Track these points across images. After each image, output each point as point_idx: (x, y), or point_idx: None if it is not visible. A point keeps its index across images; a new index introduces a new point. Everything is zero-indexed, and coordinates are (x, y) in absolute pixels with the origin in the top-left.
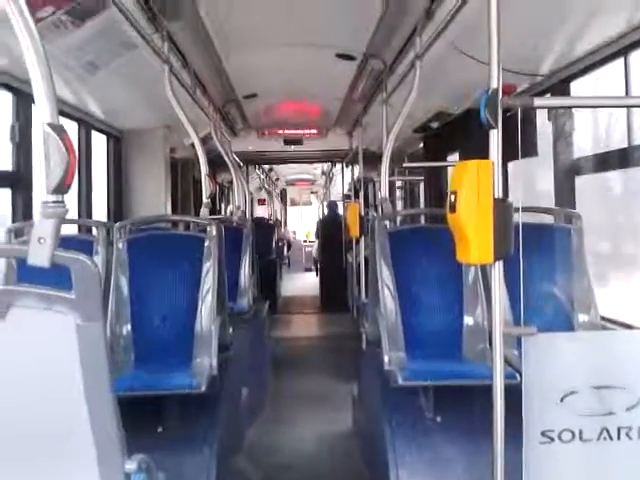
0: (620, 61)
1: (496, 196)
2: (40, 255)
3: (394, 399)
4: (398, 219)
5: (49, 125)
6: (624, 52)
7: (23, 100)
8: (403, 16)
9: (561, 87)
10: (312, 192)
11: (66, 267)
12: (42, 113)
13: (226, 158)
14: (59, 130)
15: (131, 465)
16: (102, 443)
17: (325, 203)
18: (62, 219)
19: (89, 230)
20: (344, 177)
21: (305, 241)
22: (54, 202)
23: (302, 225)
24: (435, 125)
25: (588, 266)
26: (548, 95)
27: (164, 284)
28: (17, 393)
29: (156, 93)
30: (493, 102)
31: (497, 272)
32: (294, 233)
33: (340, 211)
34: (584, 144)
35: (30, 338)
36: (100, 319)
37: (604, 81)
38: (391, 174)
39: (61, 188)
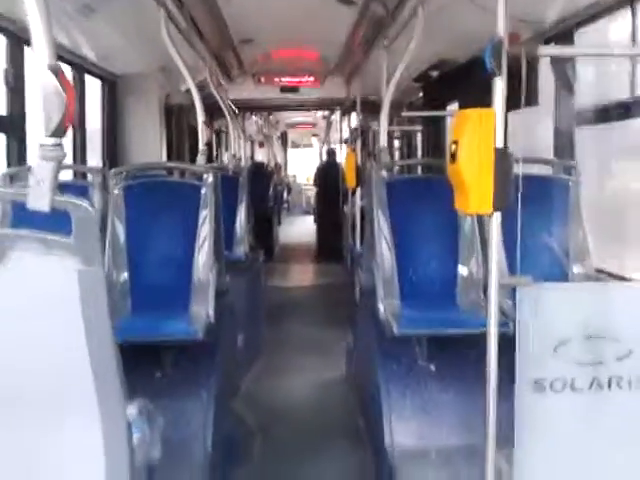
0: (627, 10)
1: (497, 146)
2: (40, 199)
3: (388, 347)
4: (395, 169)
5: (47, 66)
6: (631, 0)
7: (16, 43)
8: None
9: (565, 36)
10: (313, 134)
11: (61, 215)
12: (40, 55)
13: (222, 105)
14: (57, 71)
15: (132, 410)
16: (103, 388)
17: (325, 149)
18: (61, 162)
19: (84, 176)
20: (342, 126)
21: (305, 185)
22: (53, 145)
23: (303, 168)
24: (435, 74)
25: (584, 218)
26: (552, 44)
27: (160, 231)
28: (17, 338)
29: (152, 36)
30: (498, 49)
31: (495, 222)
32: (294, 177)
33: (339, 158)
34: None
35: (30, 283)
36: (100, 264)
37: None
38: (389, 123)
39: (59, 131)
